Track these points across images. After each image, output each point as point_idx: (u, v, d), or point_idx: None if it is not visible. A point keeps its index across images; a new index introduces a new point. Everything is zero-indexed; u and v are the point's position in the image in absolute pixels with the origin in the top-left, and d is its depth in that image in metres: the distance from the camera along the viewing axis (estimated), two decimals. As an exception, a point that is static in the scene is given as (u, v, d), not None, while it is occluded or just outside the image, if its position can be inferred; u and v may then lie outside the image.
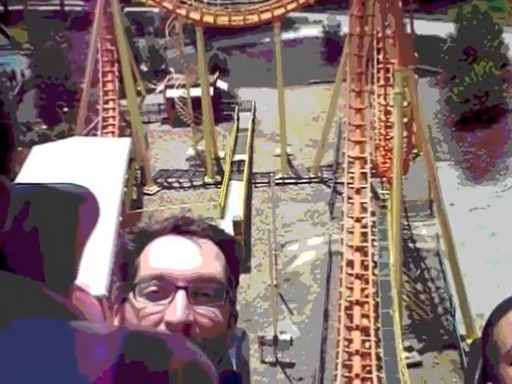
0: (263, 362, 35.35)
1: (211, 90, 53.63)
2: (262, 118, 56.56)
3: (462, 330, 35.71)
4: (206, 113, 49.69)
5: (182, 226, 2.03)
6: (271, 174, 44.89)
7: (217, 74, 59.46)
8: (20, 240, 1.21)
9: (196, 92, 51.12)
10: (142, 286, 1.93)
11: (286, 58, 49.00)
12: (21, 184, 1.30)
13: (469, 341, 33.94)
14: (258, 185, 49.63)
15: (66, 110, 53.29)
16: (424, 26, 49.97)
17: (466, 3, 55.03)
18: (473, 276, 38.44)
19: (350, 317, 32.36)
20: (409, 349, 34.56)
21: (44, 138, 47.72)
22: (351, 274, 33.84)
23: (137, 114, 49.65)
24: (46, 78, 54.84)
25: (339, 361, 31.00)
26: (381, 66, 42.44)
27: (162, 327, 1.88)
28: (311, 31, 64.63)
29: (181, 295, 1.90)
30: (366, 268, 34.07)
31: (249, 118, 56.20)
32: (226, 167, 49.80)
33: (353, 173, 38.44)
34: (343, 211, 37.24)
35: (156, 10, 60.14)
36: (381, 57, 42.15)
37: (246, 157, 50.80)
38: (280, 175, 49.15)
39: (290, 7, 48.22)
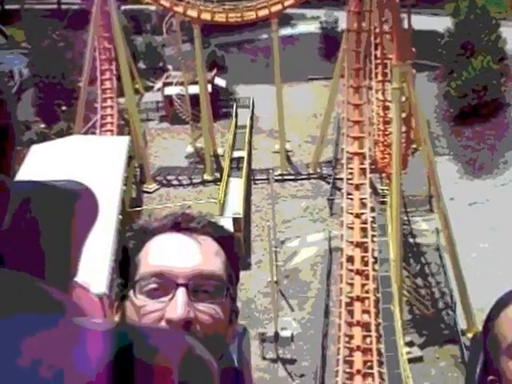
0: (264, 358, 35.37)
1: (209, 87, 53.58)
2: (260, 115, 56.54)
3: (462, 324, 35.74)
4: (204, 110, 49.68)
5: (181, 223, 2.03)
6: (270, 171, 44.83)
7: (215, 71, 59.43)
8: (19, 236, 1.21)
9: (194, 89, 51.10)
10: (142, 283, 1.93)
11: (283, 54, 48.97)
12: (19, 181, 1.30)
13: (469, 335, 33.97)
14: (257, 181, 49.63)
15: (64, 108, 53.27)
16: (421, 21, 49.90)
17: (463, -3, 55.04)
18: (473, 270, 38.47)
19: (350, 312, 32.38)
20: (410, 344, 34.59)
21: (42, 137, 47.70)
22: (351, 270, 33.86)
23: (135, 112, 49.66)
24: (43, 76, 54.82)
25: (340, 357, 31.02)
26: (378, 61, 42.38)
27: (163, 324, 1.88)
28: (309, 27, 64.60)
29: (181, 292, 1.90)
30: (366, 264, 34.08)
31: (247, 115, 56.18)
32: (225, 164, 49.79)
33: (352, 168, 38.44)
34: (343, 207, 37.25)
35: (153, 7, 60.14)
36: (378, 52, 42.10)
37: (244, 153, 50.77)
38: (279, 172, 49.14)
39: (287, 3, 48.18)
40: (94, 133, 48.21)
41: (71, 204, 1.37)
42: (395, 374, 31.20)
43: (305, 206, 46.36)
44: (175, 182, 50.46)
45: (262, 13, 48.87)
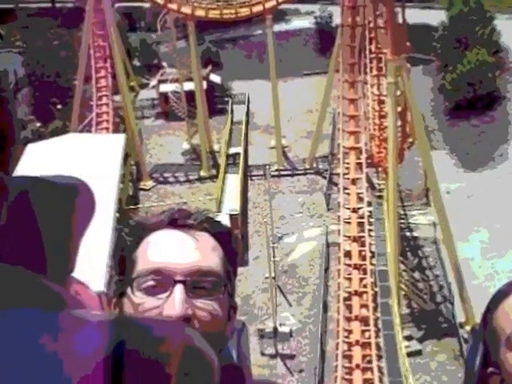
0: (263, 354, 35.39)
1: (204, 83, 53.58)
2: (255, 111, 56.52)
3: (460, 317, 35.79)
4: (199, 106, 49.68)
5: (178, 220, 2.02)
6: (267, 167, 44.83)
7: (209, 67, 59.40)
8: (16, 230, 1.21)
9: (189, 86, 51.09)
10: (140, 280, 1.93)
11: (278, 50, 48.97)
12: (16, 176, 1.30)
13: (468, 328, 34.02)
14: (253, 177, 49.62)
15: (59, 107, 53.22)
16: (415, 15, 49.90)
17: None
18: (470, 263, 38.55)
19: (349, 307, 32.44)
20: (408, 338, 34.63)
21: (38, 136, 47.67)
22: (349, 265, 33.93)
23: (131, 110, 49.61)
24: (39, 75, 54.78)
25: (339, 351, 31.09)
26: (373, 55, 42.35)
27: None
28: (303, 23, 64.55)
29: (179, 289, 1.89)
30: (363, 258, 34.14)
31: (243, 111, 56.16)
32: (222, 160, 49.79)
33: (348, 163, 38.50)
34: (339, 202, 37.33)
35: (147, 4, 60.07)
36: (373, 47, 42.08)
37: (241, 150, 50.76)
38: (275, 167, 49.13)
39: (281, -1, 48.26)
40: (89, 131, 48.20)
41: (69, 199, 1.37)
42: (394, 367, 31.24)
43: (302, 202, 46.36)
44: (172, 179, 50.44)
45: (257, 9, 48.86)
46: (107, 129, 48.29)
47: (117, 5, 60.61)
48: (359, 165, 38.40)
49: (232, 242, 2.08)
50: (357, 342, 31.02)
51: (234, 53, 62.71)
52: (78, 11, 52.86)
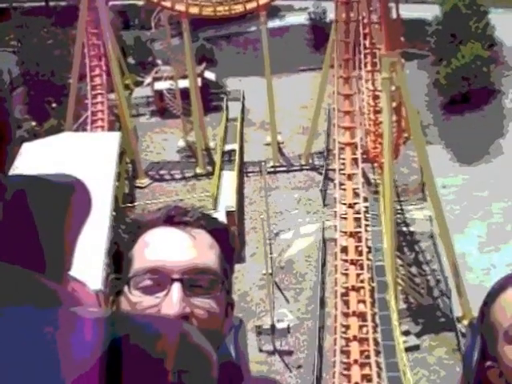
0: (261, 350, 35.41)
1: (199, 80, 53.56)
2: (251, 107, 56.53)
3: (458, 311, 35.83)
4: (194, 104, 49.66)
5: (174, 217, 2.02)
6: (262, 163, 44.84)
7: (204, 64, 59.38)
8: (13, 228, 1.21)
9: (184, 83, 51.05)
10: (137, 279, 1.92)
11: (272, 46, 48.92)
12: (12, 175, 1.30)
13: (465, 322, 34.04)
14: (249, 174, 49.62)
15: (54, 105, 53.20)
16: (408, 9, 49.87)
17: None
18: (467, 257, 38.61)
19: (346, 303, 32.47)
20: (406, 333, 34.66)
21: (33, 135, 47.64)
22: (346, 260, 33.96)
23: (125, 108, 49.56)
24: (33, 74, 54.74)
25: (337, 347, 31.14)
26: (368, 51, 42.36)
27: None
28: (297, 19, 64.50)
29: (176, 288, 1.88)
30: (360, 253, 34.18)
31: (238, 108, 56.15)
32: (217, 157, 49.78)
33: (344, 159, 38.54)
34: (336, 198, 37.35)
35: (141, 2, 60.04)
36: (367, 42, 42.08)
37: (236, 146, 50.75)
38: (271, 164, 49.12)
39: (275, -4, 48.30)
40: (84, 129, 48.21)
41: (66, 197, 1.37)
42: (392, 362, 31.28)
43: (298, 198, 46.38)
44: (167, 177, 50.43)
45: (250, 6, 48.84)
46: (102, 127, 48.30)
47: (111, 3, 60.48)
48: (355, 160, 38.44)
49: (229, 239, 2.08)
50: (354, 337, 31.06)
51: (229, 50, 62.68)
52: (71, 10, 52.82)
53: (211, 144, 52.86)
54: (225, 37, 63.94)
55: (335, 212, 36.87)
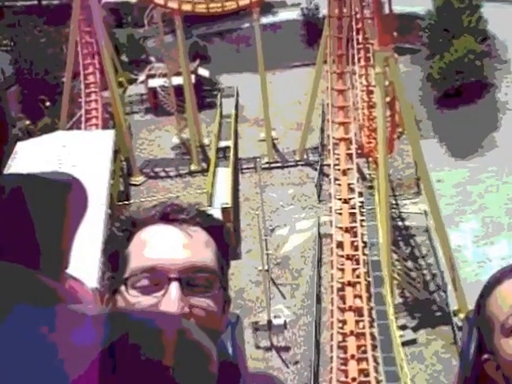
0: (258, 347, 35.42)
1: (193, 77, 53.51)
2: (245, 104, 56.49)
3: (454, 305, 35.87)
4: (188, 101, 49.63)
5: (170, 215, 2.01)
6: (257, 159, 44.84)
7: (198, 61, 59.30)
8: (10, 226, 1.21)
9: (178, 80, 50.99)
10: (134, 279, 1.91)
11: (266, 42, 48.86)
12: (8, 174, 1.30)
13: (461, 316, 34.09)
14: (244, 170, 49.61)
15: (48, 104, 53.12)
16: (402, 4, 49.82)
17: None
18: (463, 251, 38.65)
19: (342, 298, 32.49)
20: (402, 327, 34.70)
21: (28, 134, 47.59)
22: (342, 256, 33.98)
23: (119, 105, 49.49)
24: (26, 73, 54.66)
25: (334, 342, 31.15)
26: (361, 46, 42.40)
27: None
28: (290, 15, 64.39)
29: (174, 287, 1.88)
30: (356, 248, 34.22)
31: (232, 104, 56.11)
32: (212, 154, 49.76)
33: (338, 154, 38.57)
34: (331, 193, 37.38)
35: (134, 0, 59.93)
36: (360, 37, 42.11)
37: (231, 143, 50.73)
38: (266, 160, 49.10)
39: (268, -8, 48.26)
40: (79, 127, 48.12)
41: (62, 195, 1.37)
42: (389, 357, 31.32)
43: (293, 194, 46.37)
44: (162, 174, 50.39)
45: (243, 2, 48.77)
46: (96, 125, 48.24)
47: (103, 1, 60.42)
48: (349, 155, 38.47)
49: (225, 236, 2.08)
50: (351, 332, 31.09)
51: (222, 46, 62.57)
52: (64, 8, 52.73)
53: (206, 141, 52.84)
54: (218, 33, 63.81)
55: (330, 207, 36.91)
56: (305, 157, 49.94)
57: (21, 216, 1.25)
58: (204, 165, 49.91)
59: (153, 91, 57.07)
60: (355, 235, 34.80)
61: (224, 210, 39.78)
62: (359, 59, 42.62)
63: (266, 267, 37.07)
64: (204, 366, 1.17)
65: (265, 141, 50.11)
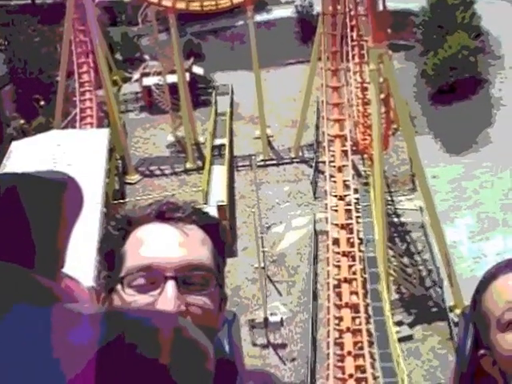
0: (255, 344, 35.43)
1: (187, 75, 53.44)
2: (239, 101, 56.45)
3: (449, 301, 35.92)
4: (183, 99, 49.58)
5: (166, 213, 2.01)
6: (252, 157, 44.86)
7: (192, 59, 59.24)
8: (5, 226, 1.21)
9: (172, 78, 50.96)
10: (130, 277, 1.91)
11: (260, 39, 48.83)
12: (4, 174, 1.30)
13: (457, 311, 34.14)
14: (239, 168, 49.59)
15: (42, 103, 53.05)
16: (395, 0, 49.84)
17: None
18: (458, 247, 38.69)
19: (338, 295, 32.52)
20: (399, 323, 34.74)
21: (22, 133, 47.51)
22: (338, 252, 34.00)
23: (114, 104, 49.44)
24: (21, 72, 54.58)
25: (331, 339, 31.18)
26: (355, 43, 42.41)
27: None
28: (284, 12, 64.35)
29: (170, 286, 1.88)
30: (352, 245, 34.23)
31: (227, 102, 56.06)
32: (207, 152, 49.71)
33: (333, 151, 38.58)
34: (326, 190, 37.38)
35: (127, -2, 59.94)
36: (354, 34, 42.12)
37: (226, 141, 50.70)
38: (261, 157, 49.11)
39: (261, -11, 48.23)
40: (73, 126, 48.08)
41: (58, 193, 1.37)
42: (385, 353, 31.36)
43: (288, 191, 46.37)
44: (158, 172, 50.35)
45: (237, 0, 48.74)
46: (91, 124, 48.20)
47: (97, -1, 60.40)
48: (345, 152, 38.49)
49: (221, 234, 2.07)
50: (348, 328, 31.11)
51: (216, 44, 62.51)
52: (58, 7, 52.66)
53: (201, 139, 52.80)
54: (212, 31, 63.75)
55: (326, 204, 36.91)
56: (300, 154, 49.94)
57: (16, 215, 1.25)
58: (199, 163, 49.89)
59: (147, 89, 57.01)
60: (351, 232, 34.82)
61: (220, 208, 39.75)
62: (353, 56, 42.64)
63: (262, 265, 37.08)
64: (201, 364, 1.17)
65: (260, 138, 50.10)
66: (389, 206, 41.65)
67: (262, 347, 35.53)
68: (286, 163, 49.53)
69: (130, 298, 1.90)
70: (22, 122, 52.22)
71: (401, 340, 33.20)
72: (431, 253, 39.11)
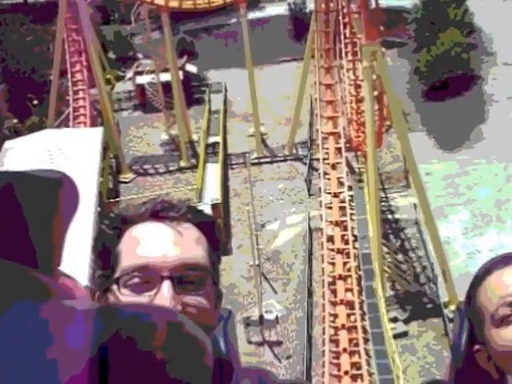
0: (250, 342, 35.43)
1: (181, 73, 53.39)
2: (233, 99, 56.44)
3: (444, 297, 35.97)
4: (176, 97, 49.52)
5: (160, 212, 2.00)
6: (246, 155, 44.84)
7: (185, 57, 59.19)
8: (1, 224, 1.21)
9: (165, 77, 50.92)
10: (126, 277, 1.91)
11: (253, 37, 48.83)
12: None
13: (452, 307, 34.18)
14: (233, 166, 49.58)
15: (35, 102, 52.96)
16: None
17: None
18: (452, 243, 38.74)
19: (333, 292, 32.53)
20: (394, 319, 34.77)
21: (15, 132, 47.44)
22: (332, 249, 34.02)
23: (107, 103, 49.38)
24: (13, 71, 54.48)
25: (326, 336, 31.19)
26: (348, 40, 42.45)
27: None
28: (277, 9, 64.32)
29: (166, 285, 1.88)
30: (346, 242, 34.26)
31: (220, 100, 56.04)
32: (201, 150, 49.67)
33: (327, 148, 38.59)
34: (320, 187, 37.40)
35: (120, -4, 59.81)
36: (347, 32, 42.15)
37: (220, 139, 50.69)
38: (255, 155, 49.11)
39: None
40: (67, 125, 47.97)
41: (53, 191, 1.37)
42: (381, 350, 31.38)
43: (282, 188, 46.37)
44: (152, 171, 50.29)
45: (230, -2, 48.78)
46: (85, 123, 48.09)
47: (89, -2, 60.29)
48: (338, 149, 38.51)
49: (215, 232, 2.07)
50: (343, 326, 31.13)
51: (210, 42, 62.47)
52: (50, 6, 52.55)
53: (194, 137, 52.75)
54: (205, 29, 63.69)
55: (320, 201, 36.92)
56: (294, 151, 49.94)
57: (12, 212, 1.25)
58: (193, 161, 49.86)
59: (141, 88, 56.97)
60: (345, 229, 34.84)
61: (214, 206, 39.73)
62: (346, 53, 42.66)
63: (257, 262, 37.08)
64: (199, 359, 1.16)
65: (254, 136, 50.10)
66: (383, 203, 41.66)
67: (258, 345, 35.53)
68: (280, 161, 49.53)
69: (126, 298, 1.90)
70: (15, 121, 52.13)
71: (396, 336, 33.23)
72: (425, 249, 39.16)
